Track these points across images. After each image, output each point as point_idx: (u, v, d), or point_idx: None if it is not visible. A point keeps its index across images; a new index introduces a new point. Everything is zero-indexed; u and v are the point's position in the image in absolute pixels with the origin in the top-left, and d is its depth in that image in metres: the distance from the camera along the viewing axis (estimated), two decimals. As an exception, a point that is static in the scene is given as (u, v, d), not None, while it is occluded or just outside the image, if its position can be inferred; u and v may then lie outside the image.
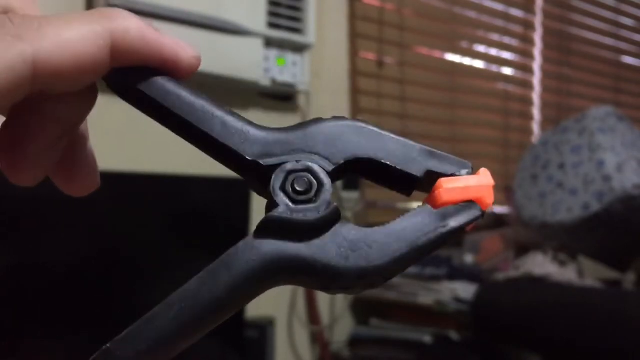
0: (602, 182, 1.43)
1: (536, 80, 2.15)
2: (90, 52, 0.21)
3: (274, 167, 0.23)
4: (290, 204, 0.23)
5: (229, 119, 0.23)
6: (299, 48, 1.42)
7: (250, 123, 0.24)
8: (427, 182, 0.24)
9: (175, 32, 1.22)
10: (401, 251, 0.22)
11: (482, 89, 2.01)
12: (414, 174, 0.24)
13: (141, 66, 0.23)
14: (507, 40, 2.07)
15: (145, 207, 1.15)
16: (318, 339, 1.57)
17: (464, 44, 1.97)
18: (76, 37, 0.20)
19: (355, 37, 1.67)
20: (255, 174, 0.24)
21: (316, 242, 0.22)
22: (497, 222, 1.83)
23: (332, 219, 0.23)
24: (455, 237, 0.24)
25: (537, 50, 2.16)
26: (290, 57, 1.41)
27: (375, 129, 0.24)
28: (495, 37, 2.04)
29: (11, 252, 1.00)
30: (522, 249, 1.61)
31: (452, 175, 0.24)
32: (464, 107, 1.94)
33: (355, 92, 1.66)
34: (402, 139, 0.24)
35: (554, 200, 1.52)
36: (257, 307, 1.37)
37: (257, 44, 1.34)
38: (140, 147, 1.27)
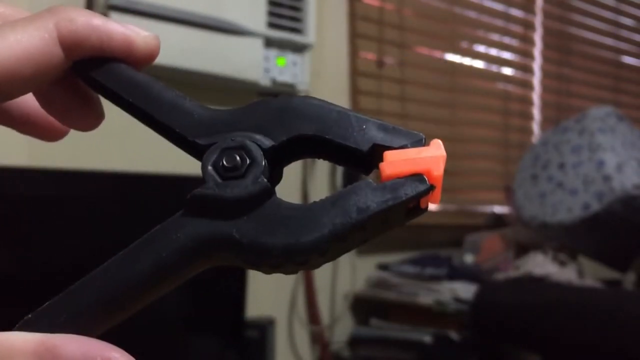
0: (602, 182, 1.43)
1: (536, 80, 2.15)
2: (37, 47, 0.21)
3: (210, 146, 0.23)
4: (219, 180, 0.22)
5: (179, 101, 0.23)
6: (299, 48, 1.42)
7: (199, 105, 0.24)
8: (376, 157, 0.22)
9: (175, 32, 1.22)
10: (331, 227, 0.21)
11: (482, 89, 2.01)
12: (360, 148, 0.22)
13: (100, 57, 0.23)
14: (507, 40, 2.07)
15: (145, 207, 1.15)
16: (318, 339, 1.57)
17: (464, 44, 1.97)
18: (20, 36, 0.21)
19: (355, 37, 1.67)
20: (199, 154, 0.23)
21: (243, 218, 0.21)
22: (497, 222, 1.84)
23: (260, 194, 0.22)
24: (400, 215, 0.22)
25: (537, 50, 2.16)
26: (290, 57, 1.41)
27: (322, 103, 0.23)
28: (495, 37, 2.04)
29: (11, 252, 1.00)
30: (522, 249, 1.61)
31: (401, 147, 0.22)
32: (464, 107, 1.94)
33: (355, 92, 1.66)
34: (352, 113, 0.23)
35: (554, 200, 1.52)
36: (257, 307, 1.37)
37: (257, 44, 1.33)
38: (140, 147, 1.27)
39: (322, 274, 1.58)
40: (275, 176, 0.23)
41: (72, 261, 1.04)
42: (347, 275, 1.61)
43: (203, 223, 0.21)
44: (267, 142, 0.22)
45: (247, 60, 1.33)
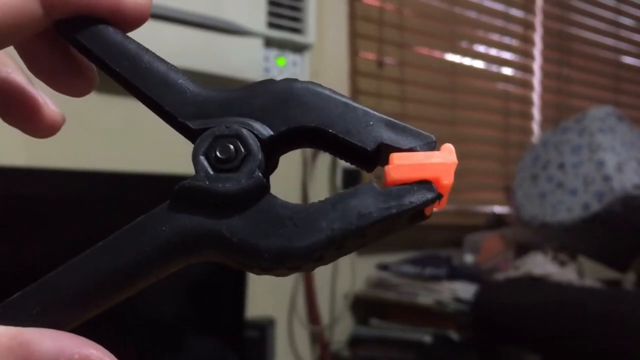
0: (602, 182, 1.43)
1: (536, 80, 2.15)
2: (10, 3, 0.19)
3: (202, 131, 0.21)
4: (210, 171, 0.20)
5: (171, 76, 0.21)
6: (299, 48, 1.42)
7: (194, 82, 0.22)
8: (382, 157, 0.21)
9: (175, 32, 1.22)
10: (329, 232, 0.19)
11: (482, 89, 2.01)
12: (365, 146, 0.21)
13: (84, 16, 0.21)
14: (507, 40, 2.07)
15: (145, 207, 1.15)
16: (318, 339, 1.57)
17: (464, 44, 1.97)
18: None
19: (355, 37, 1.67)
20: (189, 137, 0.21)
21: (235, 215, 0.20)
22: (497, 222, 1.84)
23: (255, 191, 0.20)
24: (402, 222, 0.20)
25: (537, 50, 2.16)
26: (290, 57, 1.41)
27: (330, 93, 0.21)
28: (495, 37, 2.04)
29: (11, 252, 1.00)
30: (522, 249, 1.61)
31: (410, 150, 0.21)
32: (464, 107, 1.94)
33: (355, 92, 1.66)
34: (359, 106, 0.21)
35: (554, 200, 1.52)
36: (257, 307, 1.37)
37: (257, 44, 1.34)
38: (140, 147, 1.27)
39: (322, 274, 1.58)
40: (270, 166, 0.22)
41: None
42: (347, 275, 1.61)
43: (191, 218, 0.20)
44: (265, 132, 0.21)
45: (247, 60, 1.33)
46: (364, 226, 0.20)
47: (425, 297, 1.46)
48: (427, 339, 1.42)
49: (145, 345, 1.11)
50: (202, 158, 0.20)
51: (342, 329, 1.61)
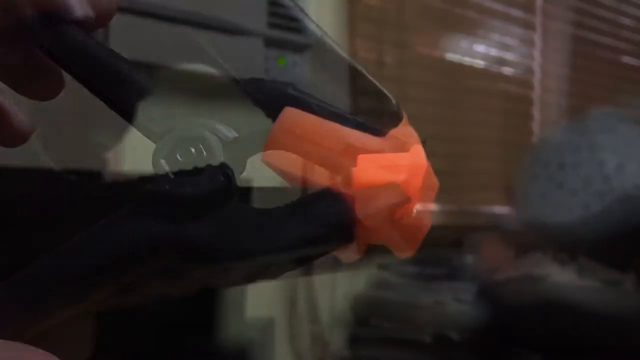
0: (602, 182, 1.43)
1: (536, 80, 2.15)
2: None
3: (164, 134, 0.20)
4: (171, 175, 0.20)
5: (133, 76, 0.21)
6: (299, 48, 1.42)
7: (158, 82, 0.21)
8: (349, 158, 0.20)
9: (175, 32, 1.22)
10: (292, 239, 0.19)
11: (482, 89, 2.01)
12: (332, 147, 0.20)
13: (47, 15, 0.21)
14: (507, 40, 2.07)
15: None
16: (318, 339, 1.57)
17: (464, 44, 1.96)
18: None
19: (355, 37, 1.67)
20: (153, 140, 0.21)
21: (196, 220, 0.19)
22: (497, 222, 1.83)
23: (217, 195, 0.19)
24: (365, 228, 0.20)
25: (537, 50, 2.16)
26: (290, 57, 1.41)
27: (298, 95, 0.21)
28: (495, 37, 2.03)
29: (11, 252, 0.99)
30: (522, 249, 1.61)
31: (378, 151, 0.20)
32: (464, 107, 1.94)
33: (355, 92, 1.65)
34: (329, 107, 0.21)
35: (554, 200, 1.52)
36: (257, 307, 1.37)
37: (257, 44, 1.33)
38: (140, 147, 1.27)
39: (322, 274, 1.58)
40: (236, 169, 0.21)
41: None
42: (347, 275, 1.61)
43: (151, 223, 0.19)
44: (229, 134, 0.20)
45: (247, 60, 1.33)
46: (330, 230, 0.19)
47: (425, 297, 1.46)
48: (427, 339, 1.42)
49: (144, 345, 1.11)
50: (162, 162, 0.20)
51: (342, 329, 1.61)
